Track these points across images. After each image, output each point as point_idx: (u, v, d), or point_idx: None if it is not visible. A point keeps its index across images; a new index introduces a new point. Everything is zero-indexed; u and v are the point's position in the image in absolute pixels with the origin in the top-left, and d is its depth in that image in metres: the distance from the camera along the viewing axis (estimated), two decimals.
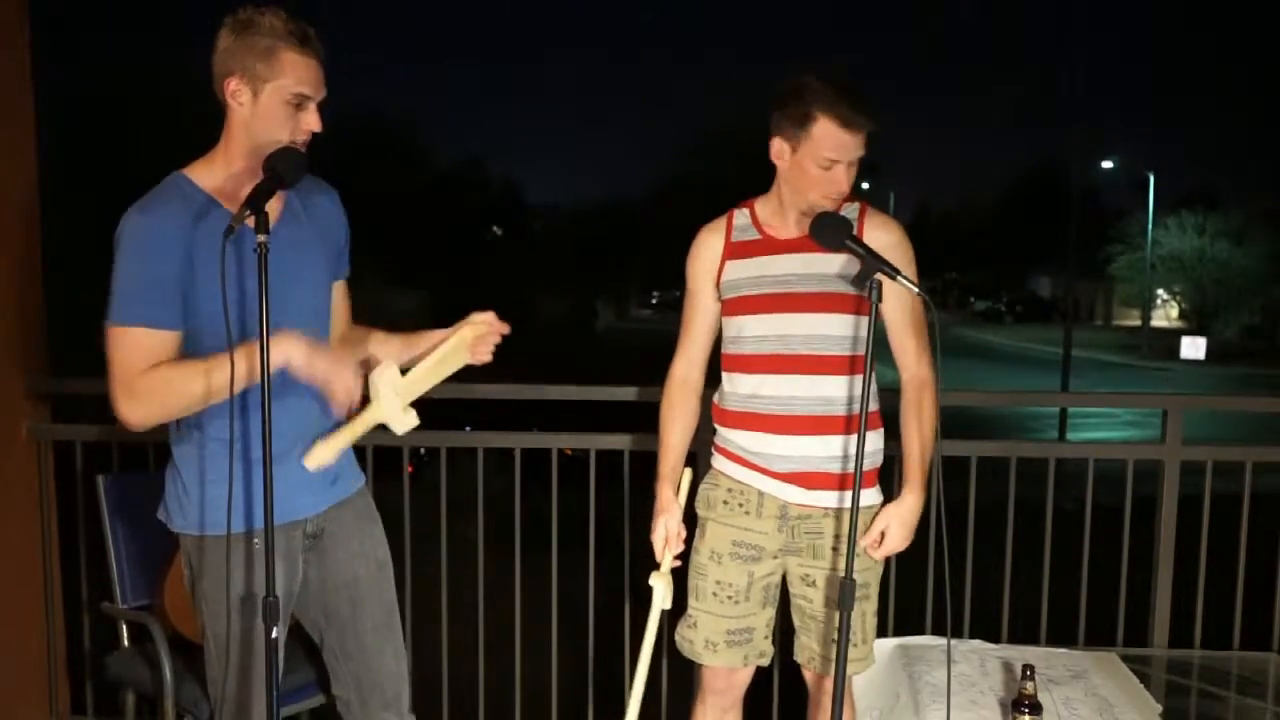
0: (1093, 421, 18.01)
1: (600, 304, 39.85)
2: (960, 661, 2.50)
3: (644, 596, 2.37)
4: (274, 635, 1.78)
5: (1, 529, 2.97)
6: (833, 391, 2.14)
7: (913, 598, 2.98)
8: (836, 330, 2.13)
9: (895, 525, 2.12)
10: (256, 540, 1.94)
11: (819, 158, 2.03)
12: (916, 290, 1.90)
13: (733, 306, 2.22)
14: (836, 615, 2.10)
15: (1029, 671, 2.06)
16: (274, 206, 1.91)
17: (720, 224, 2.26)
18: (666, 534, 2.21)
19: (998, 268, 46.16)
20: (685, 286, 2.31)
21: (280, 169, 1.75)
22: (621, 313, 44.31)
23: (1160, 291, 36.28)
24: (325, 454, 1.90)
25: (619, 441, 2.94)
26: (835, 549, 2.19)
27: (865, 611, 2.24)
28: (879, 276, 1.83)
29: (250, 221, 1.68)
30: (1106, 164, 36.50)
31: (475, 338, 2.03)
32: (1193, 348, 29.70)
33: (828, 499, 2.18)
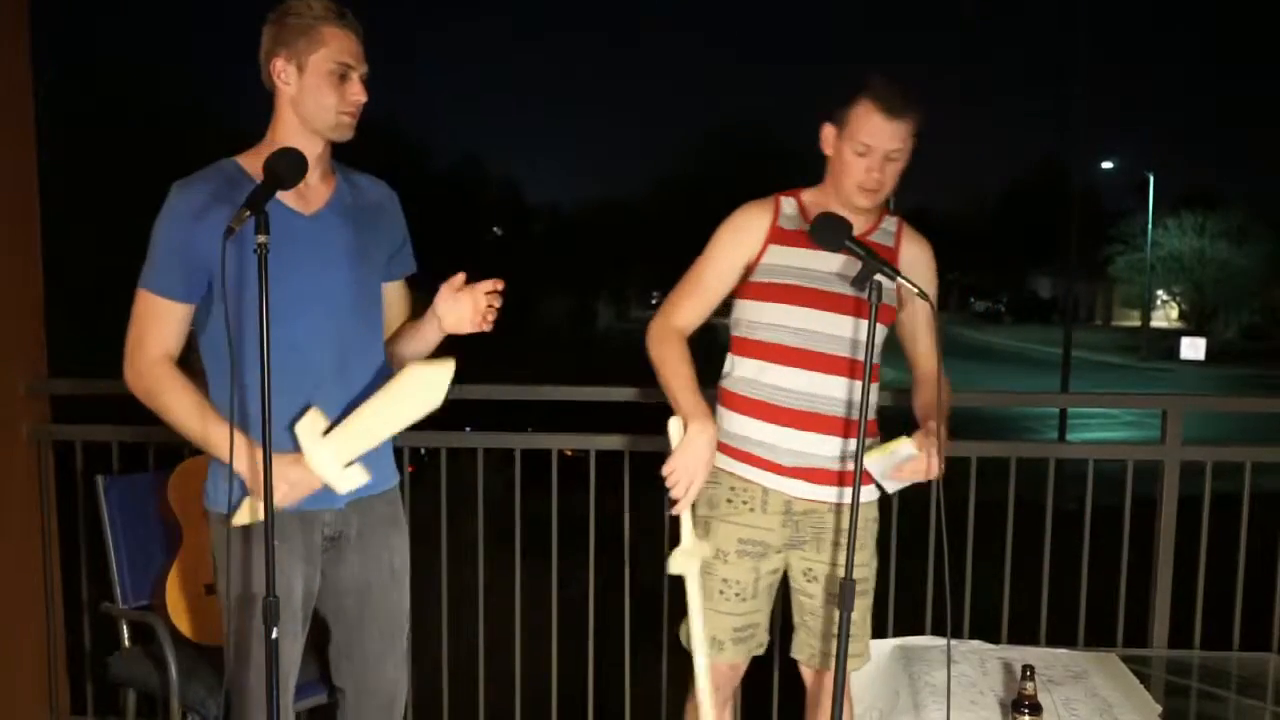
0: (1093, 422, 18.01)
1: (600, 304, 39.82)
2: (960, 661, 2.49)
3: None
4: (274, 636, 1.78)
5: (1, 529, 2.97)
6: (844, 394, 2.16)
7: (913, 598, 2.98)
8: (857, 334, 2.14)
9: (926, 456, 2.07)
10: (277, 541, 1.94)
11: (855, 142, 2.08)
12: (917, 291, 1.91)
13: (766, 292, 2.17)
14: (836, 611, 2.12)
15: (1029, 672, 2.05)
16: (322, 192, 2.00)
17: (768, 205, 2.22)
18: (691, 477, 2.04)
19: (998, 268, 46.15)
20: (707, 252, 2.22)
21: (280, 169, 1.75)
22: (621, 313, 44.29)
23: (1160, 292, 36.30)
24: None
25: (619, 442, 2.94)
26: (837, 543, 2.20)
27: (866, 607, 2.26)
28: (881, 278, 1.85)
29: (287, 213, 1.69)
30: (1106, 164, 36.54)
31: (470, 313, 2.01)
32: (1192, 348, 29.69)
33: (830, 494, 2.20)
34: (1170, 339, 31.47)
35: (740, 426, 2.21)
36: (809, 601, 2.25)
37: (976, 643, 2.63)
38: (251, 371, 1.84)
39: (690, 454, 2.05)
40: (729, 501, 2.22)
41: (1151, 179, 33.22)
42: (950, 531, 1.92)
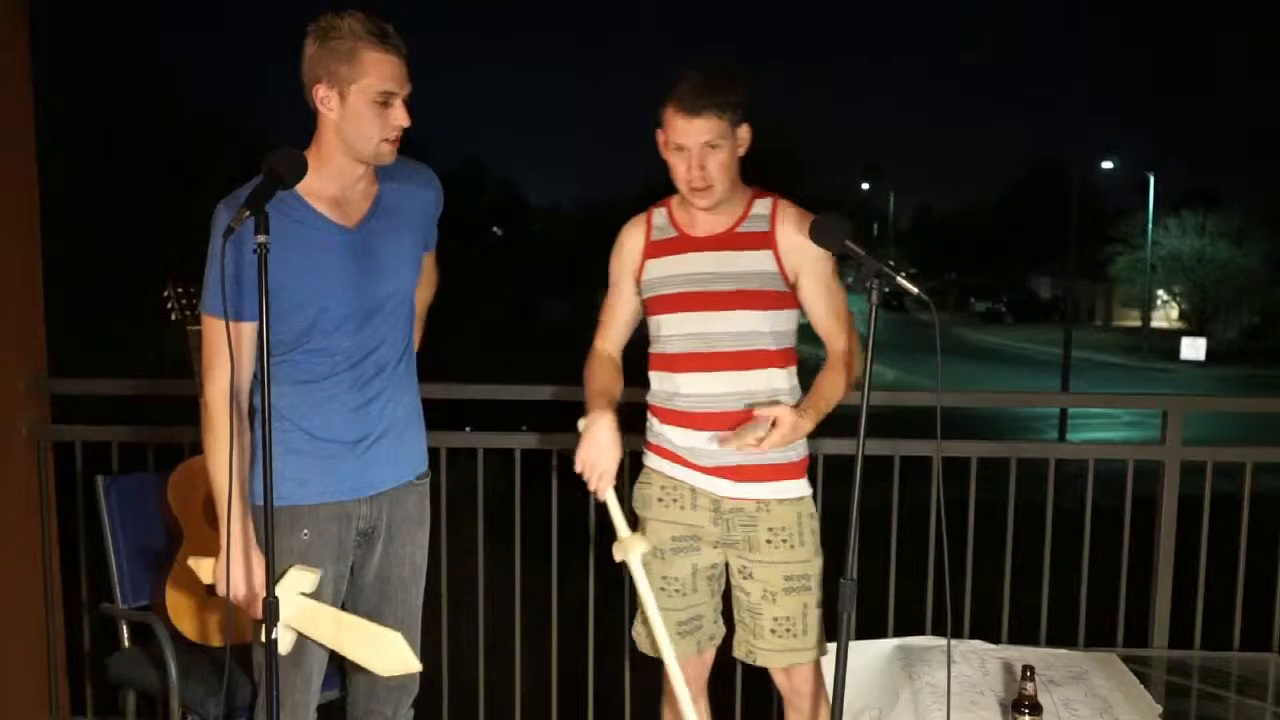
0: (1093, 422, 18.02)
1: (600, 303, 39.75)
2: (960, 662, 2.49)
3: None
4: (274, 636, 1.80)
5: (1, 529, 2.97)
6: (755, 385, 2.18)
7: (913, 598, 2.98)
8: (755, 326, 2.17)
9: (787, 417, 2.03)
10: (306, 532, 2.02)
11: (672, 145, 2.11)
12: (917, 292, 1.89)
13: (653, 305, 2.25)
14: (770, 608, 2.21)
15: (1029, 672, 2.06)
16: (362, 202, 2.00)
17: (641, 221, 2.30)
18: (593, 466, 2.10)
19: (998, 268, 46.14)
20: (608, 281, 2.34)
21: (280, 169, 1.76)
22: None
23: (1160, 292, 36.26)
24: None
25: None
26: (770, 541, 2.22)
27: (806, 604, 2.24)
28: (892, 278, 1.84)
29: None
30: (1106, 164, 36.54)
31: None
32: (1193, 348, 29.64)
33: (758, 491, 2.21)
34: (1171, 339, 31.43)
35: (664, 431, 2.27)
36: (745, 599, 2.28)
37: (976, 643, 2.63)
38: (289, 370, 1.96)
39: (589, 443, 2.12)
40: (660, 501, 2.29)
41: (1151, 179, 33.24)
42: (950, 531, 1.92)
